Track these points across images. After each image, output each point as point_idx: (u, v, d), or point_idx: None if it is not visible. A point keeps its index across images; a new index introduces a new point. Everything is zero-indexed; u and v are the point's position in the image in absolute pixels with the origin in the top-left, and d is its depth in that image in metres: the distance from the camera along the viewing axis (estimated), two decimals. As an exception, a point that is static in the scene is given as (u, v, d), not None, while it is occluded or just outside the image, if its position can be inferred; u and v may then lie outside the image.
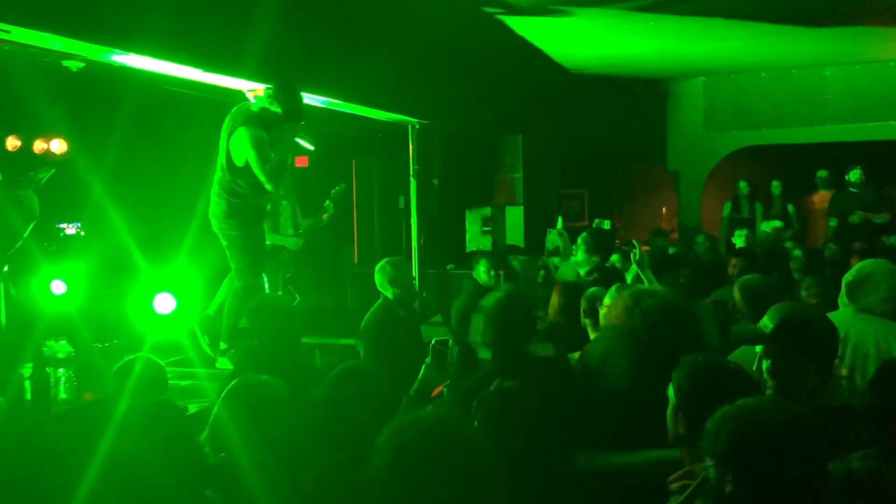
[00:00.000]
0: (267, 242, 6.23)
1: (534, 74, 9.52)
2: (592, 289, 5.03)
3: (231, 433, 2.60)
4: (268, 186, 5.39)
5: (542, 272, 6.77)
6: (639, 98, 10.50)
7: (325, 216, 7.18)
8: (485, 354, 3.72)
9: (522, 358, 3.57)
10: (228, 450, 2.56)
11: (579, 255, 6.85)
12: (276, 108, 5.37)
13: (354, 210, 8.77)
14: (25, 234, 5.57)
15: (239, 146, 5.35)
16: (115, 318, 6.88)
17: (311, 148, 6.29)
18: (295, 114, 5.41)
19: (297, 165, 9.57)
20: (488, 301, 3.73)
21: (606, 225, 9.50)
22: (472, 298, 5.74)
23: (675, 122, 10.69)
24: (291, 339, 4.24)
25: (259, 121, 5.36)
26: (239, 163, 5.40)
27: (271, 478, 2.53)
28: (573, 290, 5.33)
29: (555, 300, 5.88)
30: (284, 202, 7.13)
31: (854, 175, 9.53)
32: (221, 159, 5.51)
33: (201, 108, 6.67)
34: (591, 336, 4.80)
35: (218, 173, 5.56)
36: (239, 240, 5.59)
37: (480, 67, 8.72)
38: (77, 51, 4.53)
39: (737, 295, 4.53)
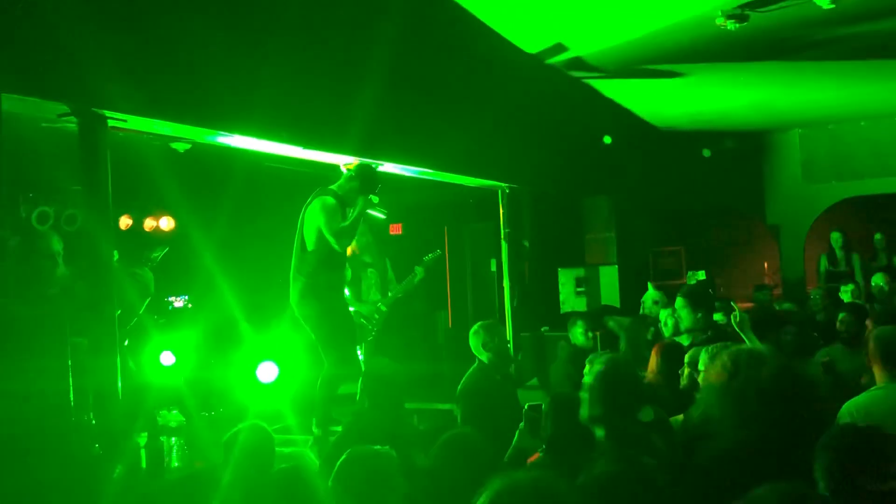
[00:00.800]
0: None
1: (622, 133, 9.53)
2: (693, 350, 4.92)
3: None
4: (336, 246, 5.52)
5: (651, 329, 6.65)
6: (732, 152, 10.35)
7: (415, 280, 7.31)
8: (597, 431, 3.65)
9: (634, 427, 3.48)
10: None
11: (684, 320, 6.57)
12: (354, 184, 5.63)
13: (448, 275, 8.87)
14: (141, 311, 5.86)
15: (312, 217, 5.57)
16: (221, 387, 7.10)
17: (383, 217, 6.49)
18: (370, 187, 5.66)
19: (391, 233, 9.79)
20: (590, 376, 3.65)
21: (701, 275, 9.33)
22: (570, 362, 5.75)
23: (772, 175, 10.48)
24: (398, 403, 4.28)
25: (331, 192, 5.62)
26: (310, 245, 5.60)
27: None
28: (672, 350, 5.22)
29: (653, 361, 5.77)
30: (370, 269, 7.29)
31: None
32: (296, 242, 5.70)
33: (301, 182, 6.95)
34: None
35: (293, 258, 5.73)
36: (315, 318, 5.68)
37: (568, 129, 8.79)
38: (185, 134, 4.83)
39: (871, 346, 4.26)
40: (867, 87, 8.31)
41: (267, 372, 7.15)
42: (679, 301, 6.42)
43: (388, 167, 6.22)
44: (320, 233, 5.54)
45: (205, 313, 7.34)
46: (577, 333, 6.65)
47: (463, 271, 8.76)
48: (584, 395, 3.60)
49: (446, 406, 7.17)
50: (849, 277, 9.65)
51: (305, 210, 5.69)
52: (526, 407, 4.09)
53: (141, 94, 3.99)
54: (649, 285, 7.59)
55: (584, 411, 3.62)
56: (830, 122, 10.11)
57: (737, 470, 3.11)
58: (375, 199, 5.77)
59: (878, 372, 4.03)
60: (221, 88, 4.57)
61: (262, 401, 6.82)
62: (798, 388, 3.87)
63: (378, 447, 3.07)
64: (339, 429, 4.58)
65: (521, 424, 4.09)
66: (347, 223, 5.57)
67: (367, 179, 5.67)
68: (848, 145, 10.16)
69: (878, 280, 8.89)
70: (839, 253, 10.31)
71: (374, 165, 5.81)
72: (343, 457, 2.99)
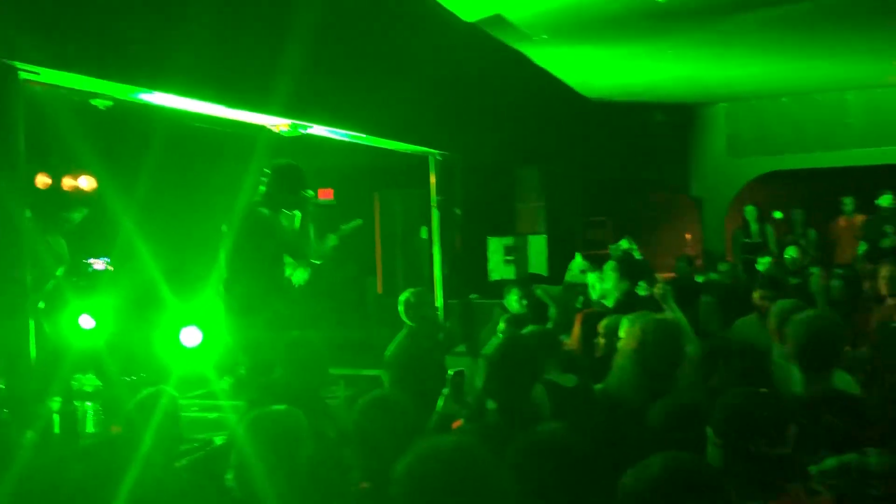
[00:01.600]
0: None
1: (554, 104, 9.59)
2: (608, 318, 5.01)
3: (254, 466, 2.62)
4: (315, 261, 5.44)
5: (580, 298, 6.76)
6: (661, 125, 10.52)
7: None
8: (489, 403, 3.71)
9: (528, 403, 3.54)
10: (252, 482, 2.58)
11: (608, 282, 6.72)
12: (283, 189, 5.24)
13: (378, 241, 8.84)
14: (59, 274, 5.66)
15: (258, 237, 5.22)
16: (143, 352, 6.94)
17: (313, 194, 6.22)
18: (300, 184, 5.31)
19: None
20: (489, 348, 3.71)
21: (624, 244, 9.49)
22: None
23: (697, 148, 10.69)
24: (316, 374, 4.23)
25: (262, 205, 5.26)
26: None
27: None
28: (593, 319, 5.31)
29: (576, 329, 5.87)
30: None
31: (885, 200, 9.47)
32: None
33: (227, 144, 6.79)
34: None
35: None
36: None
37: (501, 98, 8.79)
38: (103, 90, 4.65)
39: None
40: (789, 65, 8.53)
41: (190, 336, 7.02)
42: (611, 265, 6.56)
43: (317, 130, 6.13)
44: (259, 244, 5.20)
45: (126, 276, 7.15)
46: (512, 300, 6.68)
47: (393, 238, 8.73)
48: (482, 364, 3.69)
49: (374, 372, 7.17)
50: (764, 249, 9.97)
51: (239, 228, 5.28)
52: (451, 373, 4.11)
53: (55, 45, 3.82)
54: (577, 255, 7.69)
55: (479, 381, 3.70)
56: (754, 98, 10.35)
57: (647, 436, 3.22)
58: (311, 192, 5.50)
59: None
60: (142, 43, 4.41)
61: (186, 365, 6.70)
62: (705, 358, 4.03)
63: (282, 407, 3.00)
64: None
65: (446, 390, 4.14)
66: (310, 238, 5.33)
67: (295, 177, 5.30)
68: (770, 120, 10.43)
69: (791, 252, 9.19)
70: (753, 225, 10.63)
71: (290, 163, 5.43)
72: (249, 416, 2.95)
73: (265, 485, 2.62)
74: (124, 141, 6.67)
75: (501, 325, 4.96)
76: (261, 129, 5.85)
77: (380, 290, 8.89)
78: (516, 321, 6.31)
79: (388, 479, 2.52)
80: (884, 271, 6.02)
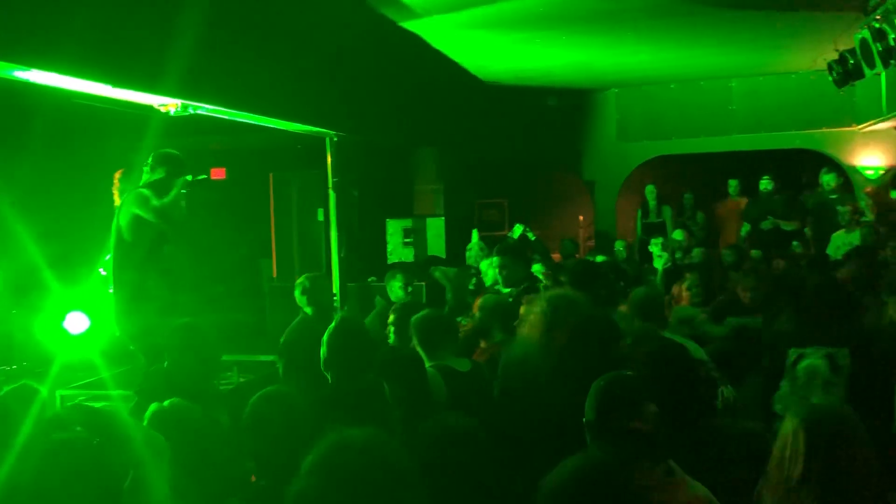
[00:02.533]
0: None
1: (450, 86, 9.62)
2: (485, 296, 5.11)
3: (149, 462, 2.56)
4: (164, 226, 5.34)
5: (473, 280, 6.81)
6: (554, 109, 10.71)
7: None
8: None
9: (364, 385, 3.59)
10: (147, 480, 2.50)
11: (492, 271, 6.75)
12: (161, 174, 5.35)
13: (273, 223, 8.68)
14: None
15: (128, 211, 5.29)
16: (24, 339, 6.65)
17: (206, 177, 6.11)
18: (180, 170, 5.39)
19: (213, 178, 9.43)
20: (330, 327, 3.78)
21: (518, 230, 9.65)
22: (383, 317, 5.80)
23: (589, 132, 10.94)
24: (206, 362, 4.13)
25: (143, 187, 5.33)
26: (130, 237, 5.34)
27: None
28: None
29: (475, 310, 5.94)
30: None
31: (764, 184, 9.96)
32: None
33: (114, 121, 6.53)
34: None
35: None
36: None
37: (397, 80, 8.77)
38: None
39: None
40: (677, 53, 8.81)
41: (76, 323, 6.77)
42: (496, 260, 6.63)
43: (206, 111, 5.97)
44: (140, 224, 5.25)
45: (6, 261, 6.82)
46: (396, 287, 6.45)
47: (289, 219, 8.58)
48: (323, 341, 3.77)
49: (269, 358, 7.07)
50: (661, 229, 10.34)
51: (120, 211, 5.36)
52: None
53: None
54: (474, 233, 7.75)
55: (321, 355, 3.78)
56: (644, 84, 10.65)
57: (552, 411, 3.31)
58: (190, 177, 5.46)
59: None
60: (20, 17, 4.18)
61: (71, 353, 6.45)
62: (605, 332, 4.15)
63: (176, 399, 2.96)
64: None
65: None
66: (168, 199, 5.24)
67: (174, 164, 5.39)
68: (659, 106, 10.76)
69: (677, 235, 9.56)
70: (652, 204, 10.99)
71: (172, 151, 5.50)
72: (152, 408, 2.88)
73: (161, 482, 2.57)
74: (5, 120, 6.34)
75: (392, 318, 4.91)
76: (150, 109, 5.64)
77: (274, 273, 8.74)
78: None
79: (286, 473, 2.54)
80: (686, 282, 6.29)
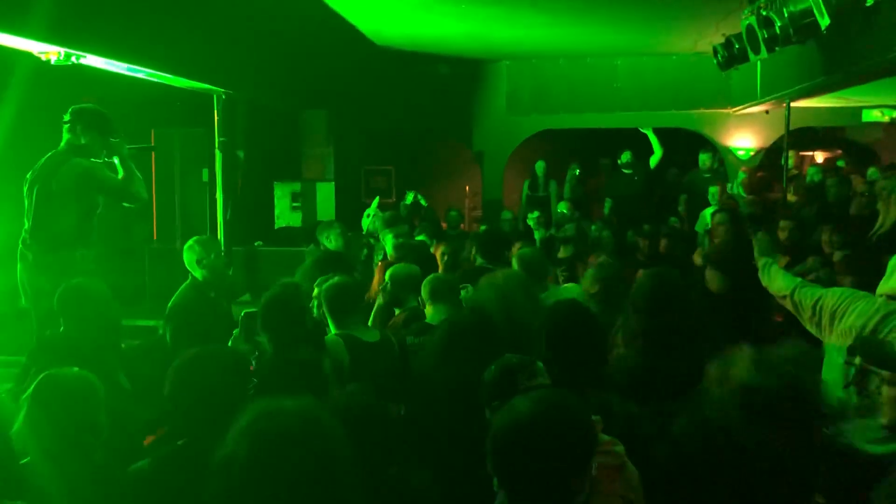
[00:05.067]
0: None
1: (343, 48, 9.41)
2: (394, 267, 5.08)
3: (43, 434, 2.39)
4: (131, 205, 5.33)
5: (364, 251, 6.72)
6: (446, 78, 10.66)
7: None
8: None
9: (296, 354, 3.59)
10: (40, 451, 2.35)
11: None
12: (92, 134, 5.07)
13: (154, 183, 8.26)
14: None
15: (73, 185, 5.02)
16: None
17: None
18: (109, 128, 5.17)
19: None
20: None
21: (409, 197, 9.63)
22: (317, 268, 5.60)
23: (480, 103, 10.97)
24: (102, 325, 3.96)
25: (76, 154, 5.07)
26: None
27: (93, 472, 2.36)
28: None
29: (376, 279, 5.87)
30: None
31: (625, 157, 10.31)
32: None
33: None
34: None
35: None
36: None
37: (289, 39, 8.49)
38: None
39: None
40: (568, 29, 8.93)
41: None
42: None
43: (92, 60, 5.59)
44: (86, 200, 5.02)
45: None
46: (333, 235, 6.43)
47: (171, 180, 8.19)
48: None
49: (151, 322, 6.79)
50: (545, 203, 10.55)
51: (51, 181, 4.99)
52: (243, 313, 4.11)
53: None
54: (376, 199, 7.64)
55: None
56: (534, 58, 10.76)
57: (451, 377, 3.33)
58: (119, 138, 5.20)
59: None
60: None
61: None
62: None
63: (75, 370, 2.83)
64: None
65: (236, 331, 4.12)
66: (125, 176, 5.09)
67: (104, 126, 5.12)
68: (548, 81, 10.90)
69: (561, 208, 9.78)
70: (541, 180, 11.18)
71: (97, 109, 5.22)
72: (36, 381, 2.72)
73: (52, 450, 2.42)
74: None
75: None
76: (26, 56, 5.23)
77: (155, 236, 8.35)
78: (331, 259, 6.17)
79: (207, 436, 2.43)
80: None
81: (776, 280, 4.07)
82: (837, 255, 5.50)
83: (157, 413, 3.60)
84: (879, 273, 3.66)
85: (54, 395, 2.55)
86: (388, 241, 6.19)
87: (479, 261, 5.68)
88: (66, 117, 5.08)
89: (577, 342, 3.06)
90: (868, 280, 3.86)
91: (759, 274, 4.21)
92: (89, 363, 2.97)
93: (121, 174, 5.13)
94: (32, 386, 2.62)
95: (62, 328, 4.00)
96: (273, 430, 1.74)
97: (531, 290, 4.10)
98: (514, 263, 4.79)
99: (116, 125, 5.22)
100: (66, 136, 5.07)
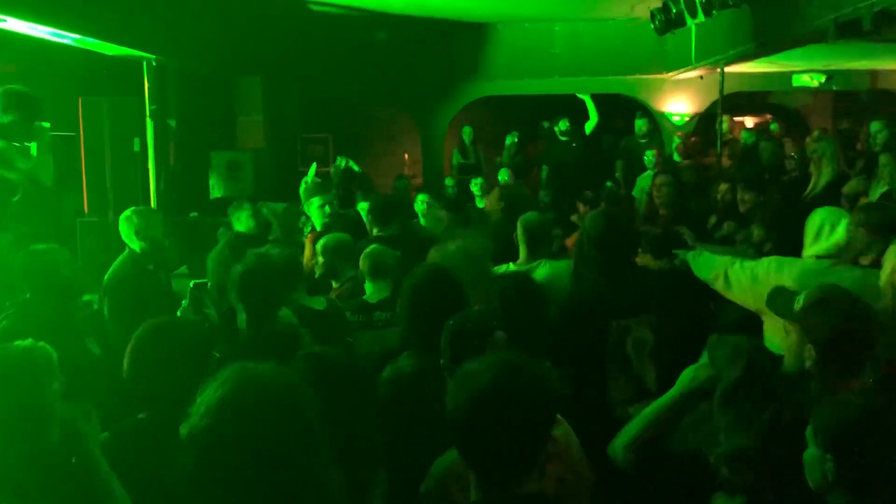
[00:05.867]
0: None
1: (278, 13, 9.17)
2: (326, 238, 5.02)
3: None
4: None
5: (302, 219, 6.62)
6: (385, 44, 10.48)
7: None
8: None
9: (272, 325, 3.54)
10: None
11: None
12: (13, 116, 4.87)
13: (83, 153, 7.97)
14: None
15: None
16: None
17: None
18: (36, 112, 4.99)
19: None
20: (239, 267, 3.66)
21: (341, 162, 9.52)
22: (231, 248, 5.54)
23: (418, 69, 10.83)
24: (66, 292, 3.98)
25: None
26: None
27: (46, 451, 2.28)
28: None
29: (308, 251, 5.80)
30: None
31: (563, 125, 10.37)
32: None
33: None
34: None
35: None
36: None
37: (222, 2, 8.24)
38: None
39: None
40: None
41: None
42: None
43: (11, 24, 5.32)
44: None
45: None
46: (244, 217, 6.21)
47: (101, 150, 7.91)
48: (231, 281, 3.64)
49: (85, 297, 6.58)
50: (478, 171, 10.53)
51: None
52: (192, 284, 4.09)
53: None
54: (312, 166, 7.52)
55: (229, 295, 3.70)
56: (472, 23, 10.64)
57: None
58: (47, 124, 5.02)
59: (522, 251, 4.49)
60: None
61: None
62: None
63: (28, 342, 2.74)
64: None
65: (185, 303, 4.07)
66: (36, 158, 4.95)
67: (28, 107, 4.93)
68: (486, 46, 10.81)
69: (503, 176, 9.79)
70: (469, 147, 11.16)
71: (22, 89, 5.00)
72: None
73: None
74: None
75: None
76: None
77: (85, 208, 8.08)
78: (244, 240, 6.06)
79: (169, 406, 2.36)
80: None
81: (706, 267, 4.05)
82: (746, 202, 5.62)
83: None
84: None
85: (8, 368, 2.46)
86: (315, 210, 6.09)
87: (375, 230, 5.61)
88: None
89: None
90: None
91: (692, 266, 4.21)
92: (56, 329, 2.92)
93: (33, 160, 4.97)
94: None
95: (28, 295, 3.99)
96: (248, 398, 1.70)
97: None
98: (519, 230, 4.54)
99: (44, 110, 5.06)
100: None
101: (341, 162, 9.76)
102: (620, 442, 2.63)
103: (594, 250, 3.70)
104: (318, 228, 6.24)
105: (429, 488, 2.39)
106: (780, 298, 3.02)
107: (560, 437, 2.34)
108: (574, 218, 7.49)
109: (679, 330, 3.58)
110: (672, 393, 2.61)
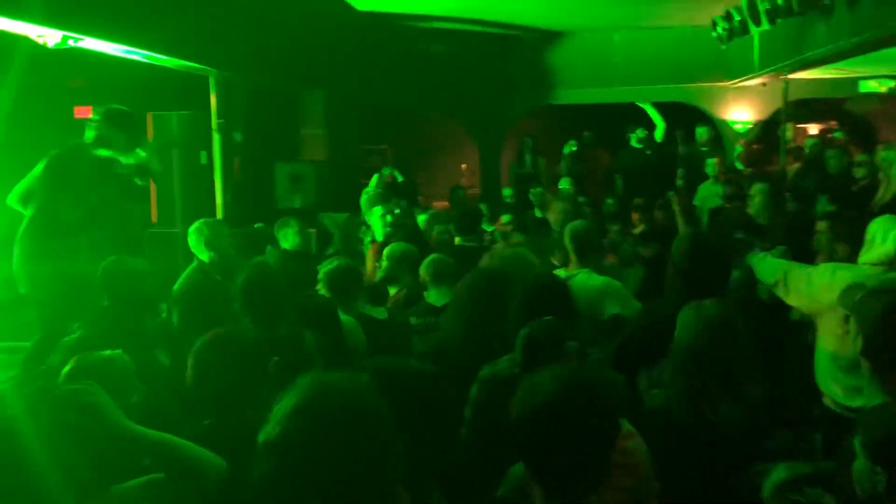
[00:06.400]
0: None
1: (338, 26, 9.32)
2: (392, 245, 5.08)
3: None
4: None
5: (363, 228, 6.70)
6: (443, 55, 10.56)
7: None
8: None
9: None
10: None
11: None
12: (115, 132, 5.32)
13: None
14: None
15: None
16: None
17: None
18: (139, 133, 5.58)
19: (77, 117, 8.81)
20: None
21: (386, 171, 9.61)
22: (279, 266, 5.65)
23: (477, 80, 10.87)
24: (139, 301, 4.07)
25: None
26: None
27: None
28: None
29: (371, 261, 5.86)
30: None
31: (640, 133, 10.28)
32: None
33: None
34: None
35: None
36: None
37: (283, 17, 8.40)
38: None
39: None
40: (562, 3, 8.82)
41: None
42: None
43: (88, 43, 5.53)
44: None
45: None
46: (290, 234, 6.30)
47: (169, 163, 8.11)
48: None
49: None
50: (535, 181, 10.52)
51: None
52: None
53: None
54: (374, 177, 7.59)
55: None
56: (530, 33, 10.64)
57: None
58: (148, 139, 5.39)
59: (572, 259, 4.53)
60: None
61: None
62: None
63: (108, 352, 2.88)
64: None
65: None
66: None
67: (130, 124, 5.39)
68: (544, 56, 10.81)
69: (564, 184, 9.77)
70: (528, 157, 11.14)
71: (127, 111, 5.48)
72: (67, 367, 2.74)
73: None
74: None
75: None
76: (22, 40, 5.16)
77: (154, 219, 8.30)
78: (291, 257, 6.17)
79: (235, 414, 2.41)
80: None
81: (768, 271, 4.19)
82: (821, 226, 5.53)
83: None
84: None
85: (90, 377, 2.56)
86: (376, 220, 6.11)
87: (458, 239, 5.68)
88: (96, 115, 5.30)
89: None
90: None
91: (756, 270, 4.29)
92: (129, 339, 3.02)
93: (139, 158, 5.39)
94: (66, 369, 2.65)
95: (106, 304, 4.12)
96: (323, 405, 1.71)
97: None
98: (566, 239, 4.58)
99: (143, 128, 5.40)
100: (92, 131, 5.22)
101: (386, 171, 9.87)
102: None
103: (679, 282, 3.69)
104: (379, 238, 6.27)
105: (506, 493, 2.40)
106: (849, 295, 3.20)
107: (631, 449, 2.33)
108: (638, 226, 7.45)
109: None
110: None
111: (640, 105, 10.42)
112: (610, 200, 8.93)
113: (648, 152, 10.30)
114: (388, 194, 8.22)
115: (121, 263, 4.15)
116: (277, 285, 3.69)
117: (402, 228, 6.59)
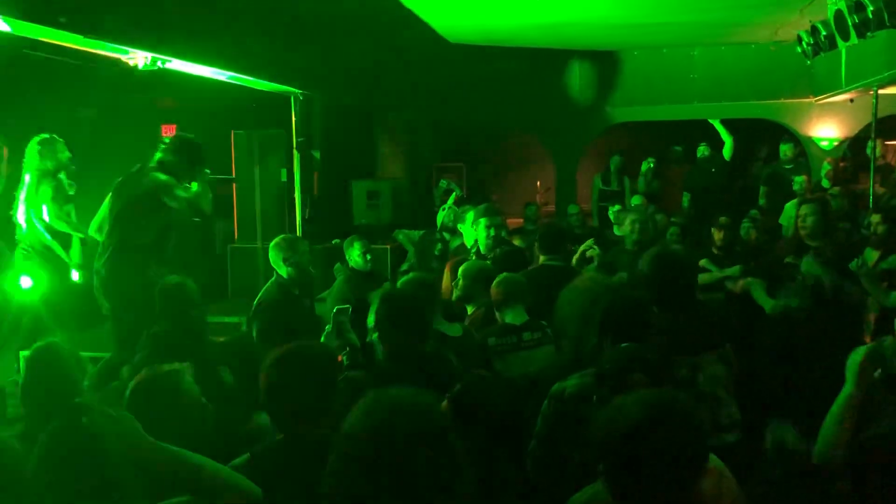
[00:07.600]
0: None
1: (414, 45, 9.43)
2: (468, 262, 5.06)
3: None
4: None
5: (438, 245, 6.69)
6: (517, 72, 10.57)
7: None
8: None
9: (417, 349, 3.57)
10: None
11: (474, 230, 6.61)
12: (178, 158, 5.41)
13: (234, 184, 8.44)
14: None
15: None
16: None
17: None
18: (200, 159, 5.54)
19: (164, 135, 9.12)
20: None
21: (443, 185, 9.60)
22: (347, 283, 5.69)
23: (553, 97, 10.84)
24: (198, 320, 4.14)
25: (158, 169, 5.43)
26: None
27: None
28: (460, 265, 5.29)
29: (447, 277, 5.83)
30: None
31: (701, 150, 10.10)
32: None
33: (63, 74, 6.28)
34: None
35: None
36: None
37: (362, 38, 8.55)
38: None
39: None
40: (643, 19, 8.75)
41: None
42: (470, 213, 6.48)
43: (176, 64, 5.73)
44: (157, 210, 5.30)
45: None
46: (355, 255, 6.34)
47: (251, 181, 8.35)
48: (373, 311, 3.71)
49: (233, 319, 6.94)
50: (618, 198, 10.38)
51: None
52: (335, 310, 4.12)
53: None
54: (452, 195, 7.57)
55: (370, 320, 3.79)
56: (609, 50, 10.60)
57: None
58: (208, 169, 5.60)
59: None
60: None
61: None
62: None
63: (168, 365, 2.92)
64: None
65: (328, 327, 4.12)
66: (197, 190, 5.47)
67: (194, 153, 5.47)
68: (622, 73, 10.73)
69: (636, 201, 9.63)
70: (614, 175, 11.00)
71: (191, 138, 5.60)
72: (132, 384, 2.81)
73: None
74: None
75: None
76: (111, 61, 5.39)
77: (235, 235, 8.53)
78: (357, 276, 6.20)
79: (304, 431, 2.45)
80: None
81: None
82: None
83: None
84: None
85: (152, 390, 2.63)
86: (481, 231, 5.98)
87: (543, 258, 5.56)
88: (166, 140, 5.49)
89: None
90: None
91: None
92: (192, 357, 3.07)
93: (193, 192, 5.42)
94: (129, 388, 2.72)
95: (165, 324, 4.20)
96: (387, 420, 1.72)
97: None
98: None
99: (206, 156, 5.58)
100: (158, 154, 5.36)
101: (443, 184, 9.88)
102: (824, 446, 2.66)
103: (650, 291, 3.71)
104: (483, 250, 6.12)
105: None
106: None
107: (709, 488, 2.27)
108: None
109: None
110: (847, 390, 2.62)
111: (710, 122, 10.22)
112: (674, 219, 8.73)
113: (713, 170, 10.10)
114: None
115: (175, 286, 4.30)
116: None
117: (504, 244, 6.38)
